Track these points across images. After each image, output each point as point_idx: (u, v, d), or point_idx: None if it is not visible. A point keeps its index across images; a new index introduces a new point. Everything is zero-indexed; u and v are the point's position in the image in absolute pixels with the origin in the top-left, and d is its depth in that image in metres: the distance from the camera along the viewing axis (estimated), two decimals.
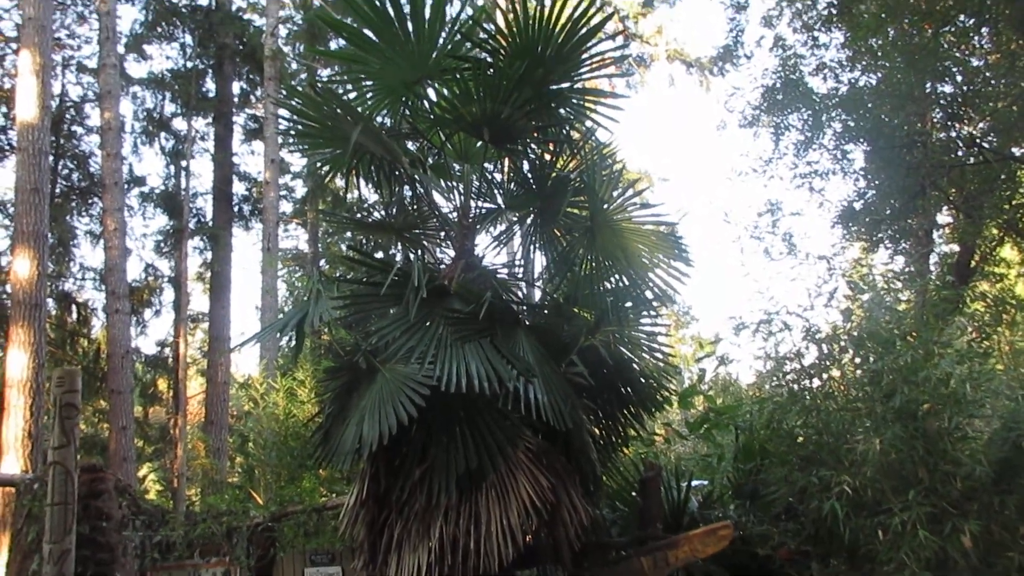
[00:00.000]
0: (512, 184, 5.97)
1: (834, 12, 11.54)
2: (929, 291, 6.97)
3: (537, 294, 6.15)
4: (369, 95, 6.04)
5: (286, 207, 24.61)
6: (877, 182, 10.32)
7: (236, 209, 22.84)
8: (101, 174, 17.64)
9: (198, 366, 26.56)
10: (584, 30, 5.39)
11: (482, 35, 5.67)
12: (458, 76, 5.51)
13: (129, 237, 18.74)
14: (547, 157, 5.77)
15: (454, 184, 5.92)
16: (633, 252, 5.45)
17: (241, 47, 22.23)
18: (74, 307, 22.06)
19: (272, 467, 12.96)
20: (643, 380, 5.60)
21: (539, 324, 5.46)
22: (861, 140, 9.44)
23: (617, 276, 5.58)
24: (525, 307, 5.61)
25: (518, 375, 4.85)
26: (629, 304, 5.60)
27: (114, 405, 15.86)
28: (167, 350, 23.09)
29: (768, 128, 14.56)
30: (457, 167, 6.11)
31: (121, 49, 20.06)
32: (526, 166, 5.88)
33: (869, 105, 9.21)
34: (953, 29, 8.71)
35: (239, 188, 23.21)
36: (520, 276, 6.13)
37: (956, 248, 12.18)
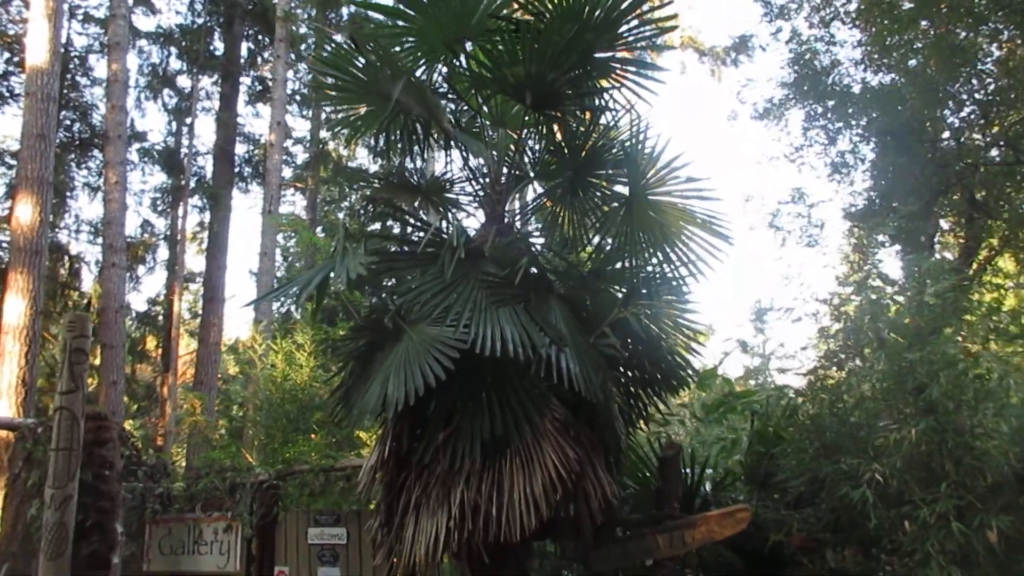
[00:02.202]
0: (547, 153, 5.86)
1: (861, 6, 11.45)
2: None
3: (563, 265, 6.04)
4: (407, 52, 5.91)
5: (286, 172, 24.40)
6: (889, 180, 10.28)
7: (236, 170, 22.62)
8: (104, 126, 17.40)
9: (187, 327, 26.37)
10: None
11: None
12: (502, 37, 5.40)
13: (127, 192, 18.51)
14: (584, 127, 5.65)
15: (488, 149, 5.81)
16: (669, 226, 5.37)
17: (252, 6, 21.92)
18: (67, 259, 21.84)
19: (266, 428, 12.92)
20: (670, 357, 5.53)
21: (571, 294, 5.37)
22: (886, 136, 9.37)
23: (651, 250, 5.49)
24: (557, 276, 5.51)
25: (551, 343, 4.78)
26: (660, 280, 5.51)
27: (105, 359, 15.71)
28: (158, 308, 22.93)
29: (779, 122, 14.54)
30: (491, 132, 6.00)
31: (130, 1, 19.76)
32: (560, 135, 5.77)
33: (898, 106, 9.13)
34: (988, 29, 8.64)
35: (240, 150, 23.01)
36: (550, 246, 6.04)
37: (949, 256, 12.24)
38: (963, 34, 8.77)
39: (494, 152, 5.82)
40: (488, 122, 5.99)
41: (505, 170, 5.87)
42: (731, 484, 6.50)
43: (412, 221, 5.74)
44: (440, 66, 5.94)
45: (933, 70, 8.18)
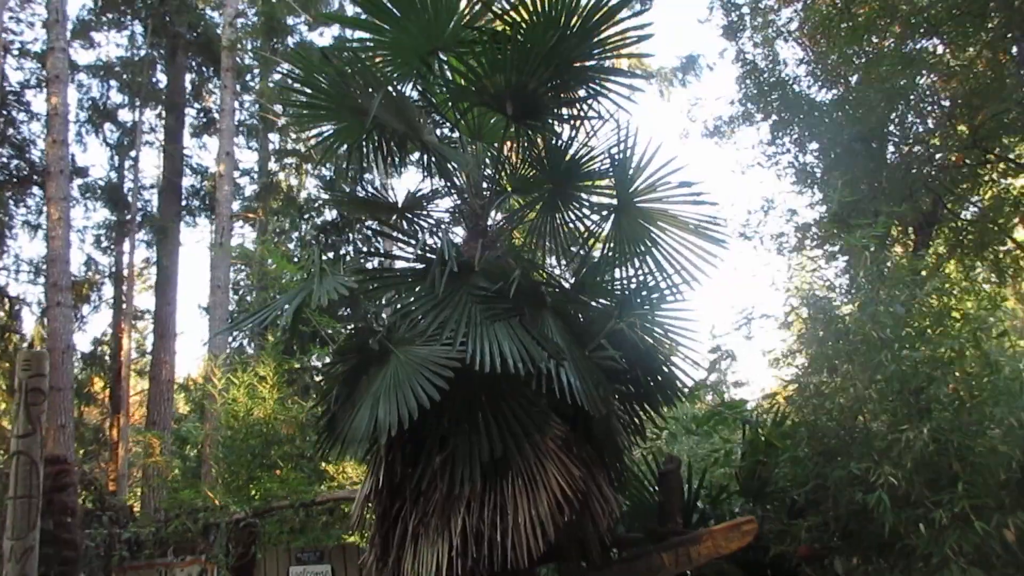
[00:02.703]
0: (529, 165, 5.71)
1: (810, 23, 11.64)
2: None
3: (550, 278, 5.87)
4: (380, 66, 5.72)
5: (235, 204, 23.87)
6: (856, 187, 10.37)
7: (184, 203, 22.07)
8: (45, 161, 16.80)
9: (135, 366, 25.49)
10: (609, 4, 5.19)
11: (505, 4, 5.41)
12: (478, 48, 5.26)
13: (71, 229, 17.87)
14: (566, 135, 5.51)
15: (470, 162, 5.64)
16: (660, 234, 5.25)
17: (195, 37, 21.50)
18: (7, 300, 20.99)
19: (229, 465, 12.42)
20: (664, 368, 5.38)
21: (562, 306, 5.20)
22: (838, 146, 9.46)
23: (641, 260, 5.36)
24: (549, 288, 5.33)
25: (549, 357, 4.60)
26: (650, 291, 5.38)
27: (53, 402, 14.92)
28: (104, 348, 22.14)
29: (729, 138, 14.70)
30: (470, 145, 5.84)
31: (68, 34, 19.22)
32: (541, 145, 5.63)
33: (852, 114, 9.22)
34: (945, 36, 8.81)
35: (187, 183, 22.45)
36: (535, 259, 5.87)
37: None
38: (919, 44, 8.95)
39: (476, 165, 5.64)
40: (466, 136, 5.81)
41: (486, 183, 5.70)
42: (726, 497, 6.36)
43: (400, 236, 5.52)
44: (413, 80, 5.76)
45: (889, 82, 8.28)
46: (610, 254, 5.44)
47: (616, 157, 5.28)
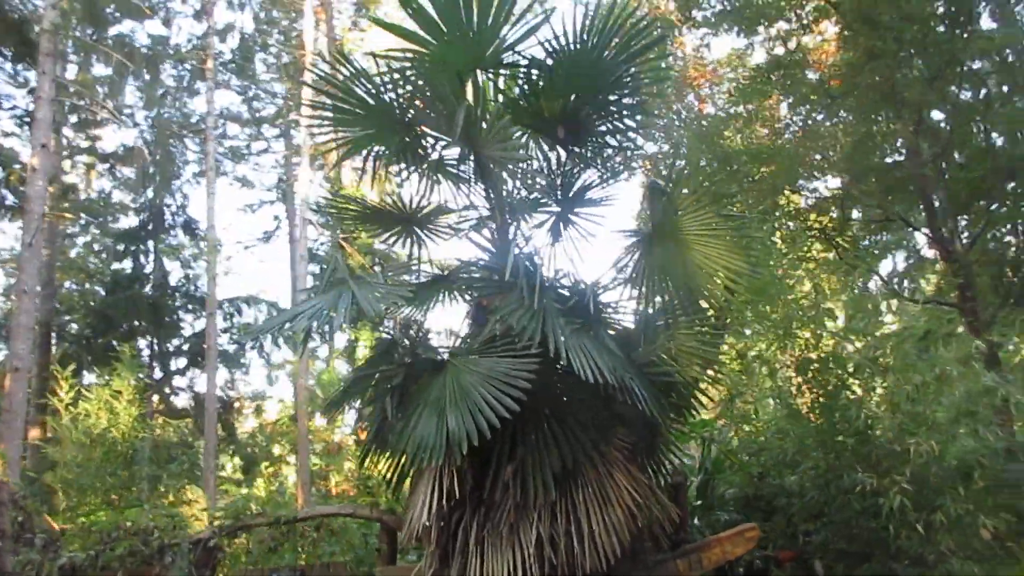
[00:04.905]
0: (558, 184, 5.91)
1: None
2: None
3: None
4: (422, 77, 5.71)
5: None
6: None
7: None
8: None
9: None
10: (640, 44, 5.56)
11: (546, 34, 5.61)
12: (521, 71, 5.45)
13: None
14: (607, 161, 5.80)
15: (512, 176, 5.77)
16: (694, 262, 5.57)
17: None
18: None
19: (86, 489, 11.24)
20: (683, 389, 5.74)
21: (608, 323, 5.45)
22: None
23: (670, 289, 5.62)
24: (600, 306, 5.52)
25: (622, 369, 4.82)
26: (683, 310, 5.70)
27: None
28: None
29: None
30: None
31: None
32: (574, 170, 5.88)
33: None
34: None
35: None
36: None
37: None
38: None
39: (515, 180, 5.77)
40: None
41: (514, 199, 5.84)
42: (712, 506, 6.83)
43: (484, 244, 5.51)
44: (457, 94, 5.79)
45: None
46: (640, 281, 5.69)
47: (658, 187, 5.62)
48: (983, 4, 10.27)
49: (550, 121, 5.51)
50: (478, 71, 5.66)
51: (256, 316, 25.24)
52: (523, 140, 5.76)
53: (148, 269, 24.13)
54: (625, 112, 5.73)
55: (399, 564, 6.16)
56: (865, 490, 5.48)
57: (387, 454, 5.18)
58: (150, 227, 24.46)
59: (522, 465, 4.80)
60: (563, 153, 5.75)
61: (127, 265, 23.99)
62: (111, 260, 24.46)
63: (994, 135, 9.80)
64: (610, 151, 5.82)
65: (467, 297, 5.49)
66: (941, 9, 9.38)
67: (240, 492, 20.81)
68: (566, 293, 5.19)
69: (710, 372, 5.76)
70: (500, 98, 5.73)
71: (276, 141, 27.78)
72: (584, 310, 5.19)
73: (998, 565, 5.16)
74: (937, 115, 10.24)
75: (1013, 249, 10.77)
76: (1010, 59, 9.88)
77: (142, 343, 23.29)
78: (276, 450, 23.38)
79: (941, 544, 5.14)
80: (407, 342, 5.32)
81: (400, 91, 5.55)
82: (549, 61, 5.46)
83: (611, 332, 5.38)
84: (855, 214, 11.38)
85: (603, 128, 5.67)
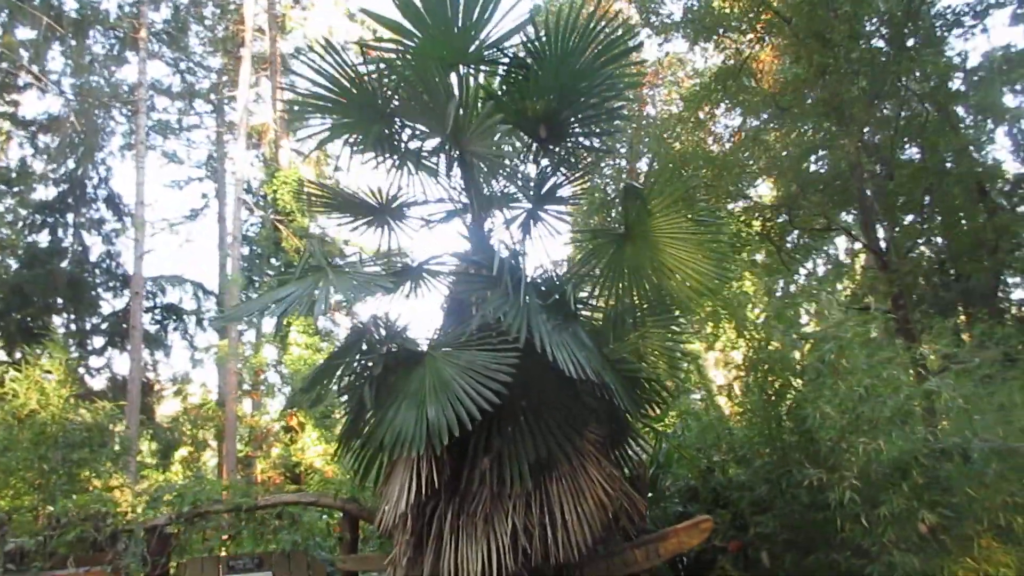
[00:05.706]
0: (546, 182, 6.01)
1: None
2: None
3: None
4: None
5: None
6: None
7: None
8: None
9: None
10: (619, 49, 5.71)
11: (529, 35, 5.70)
12: (502, 69, 5.54)
13: None
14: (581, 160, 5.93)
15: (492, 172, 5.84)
16: (664, 262, 5.73)
17: None
18: None
19: (12, 471, 10.77)
20: (646, 383, 5.92)
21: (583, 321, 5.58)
22: None
23: (636, 288, 5.79)
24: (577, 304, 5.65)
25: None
26: (652, 308, 5.87)
27: None
28: None
29: None
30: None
31: None
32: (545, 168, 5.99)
33: None
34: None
35: None
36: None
37: None
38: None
39: (495, 175, 5.85)
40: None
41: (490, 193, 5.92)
42: (666, 499, 7.05)
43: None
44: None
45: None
46: (606, 279, 5.85)
47: (625, 185, 5.78)
48: (912, 27, 10.84)
49: (532, 120, 5.62)
50: (460, 66, 5.73)
51: (181, 296, 24.65)
52: (508, 137, 5.83)
53: (67, 243, 23.27)
54: (603, 115, 5.88)
55: (360, 554, 6.20)
56: (813, 485, 5.79)
57: (361, 443, 5.20)
58: (70, 200, 23.52)
59: (499, 456, 4.91)
60: (540, 151, 5.86)
61: (44, 238, 23.04)
62: (27, 232, 23.43)
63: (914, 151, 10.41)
64: (583, 152, 5.94)
65: (444, 290, 5.56)
66: (885, 31, 9.87)
67: (159, 478, 20.27)
68: (544, 289, 5.29)
69: (673, 369, 5.97)
70: (481, 94, 5.79)
71: (209, 116, 27.06)
72: (563, 306, 5.32)
73: (933, 557, 5.53)
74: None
75: (933, 262, 11.45)
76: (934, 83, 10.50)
77: (58, 320, 22.44)
78: (200, 435, 22.81)
79: (884, 536, 5.47)
80: (384, 332, 5.34)
81: (386, 81, 5.57)
82: (530, 61, 5.59)
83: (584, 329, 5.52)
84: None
85: (580, 130, 5.79)
